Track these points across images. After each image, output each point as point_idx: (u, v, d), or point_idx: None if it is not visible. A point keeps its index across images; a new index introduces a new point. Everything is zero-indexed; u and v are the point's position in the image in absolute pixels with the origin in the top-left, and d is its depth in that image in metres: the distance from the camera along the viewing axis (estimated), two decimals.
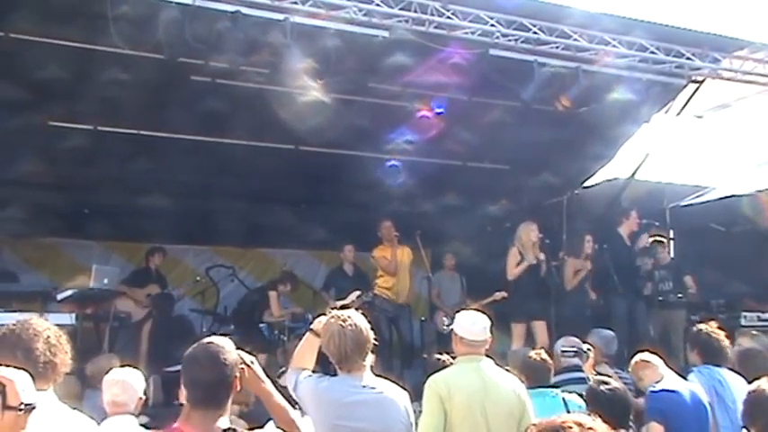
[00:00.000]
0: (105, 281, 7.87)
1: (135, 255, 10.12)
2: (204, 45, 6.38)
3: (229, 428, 2.62)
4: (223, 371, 2.65)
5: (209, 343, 2.72)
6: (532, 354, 5.16)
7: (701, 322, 6.32)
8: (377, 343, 3.70)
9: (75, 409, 2.98)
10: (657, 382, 5.01)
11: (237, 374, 2.70)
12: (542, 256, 8.37)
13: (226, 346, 2.73)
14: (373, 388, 3.60)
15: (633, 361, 5.41)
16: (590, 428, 1.84)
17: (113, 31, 6.09)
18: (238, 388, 2.70)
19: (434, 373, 4.49)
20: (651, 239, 9.25)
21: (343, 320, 3.59)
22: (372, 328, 3.68)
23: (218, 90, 7.75)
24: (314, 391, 3.55)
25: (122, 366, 4.08)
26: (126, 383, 3.83)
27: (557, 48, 7.42)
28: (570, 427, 1.83)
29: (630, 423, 4.22)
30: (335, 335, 3.56)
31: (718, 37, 8.01)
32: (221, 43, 6.40)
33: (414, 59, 7.11)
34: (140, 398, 3.86)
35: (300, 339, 3.95)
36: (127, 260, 10.18)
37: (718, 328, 5.58)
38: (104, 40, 6.47)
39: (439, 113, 8.60)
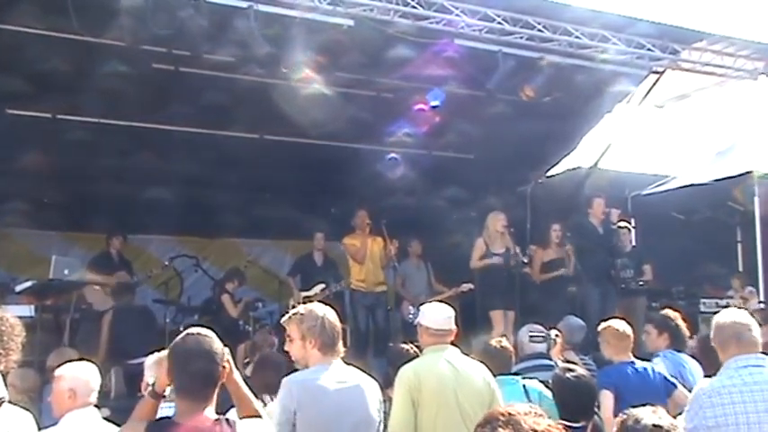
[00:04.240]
0: (66, 272, 7.68)
1: (96, 245, 9.92)
2: (167, 32, 6.29)
3: (219, 418, 2.64)
4: (213, 362, 2.68)
5: (198, 334, 2.73)
6: (493, 341, 5.14)
7: (661, 309, 6.57)
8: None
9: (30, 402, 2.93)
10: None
11: (225, 366, 2.73)
12: (512, 246, 8.41)
13: (214, 337, 2.75)
14: (350, 377, 3.68)
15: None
16: (534, 415, 1.89)
17: (74, 18, 5.99)
18: (224, 379, 2.74)
19: (398, 362, 4.50)
20: (617, 224, 9.24)
21: (327, 307, 3.74)
22: (343, 320, 3.84)
23: (181, 78, 7.65)
24: (301, 383, 3.58)
25: (81, 359, 4.02)
26: (82, 376, 3.77)
27: (520, 38, 7.48)
28: (518, 414, 1.88)
29: (595, 410, 4.27)
30: (327, 318, 3.66)
31: (677, 29, 8.15)
32: (183, 30, 6.31)
33: (380, 49, 7.11)
34: (96, 390, 3.81)
35: (265, 328, 3.96)
36: (87, 251, 9.97)
37: (681, 316, 5.90)
38: (66, 28, 6.36)
39: (435, 107, 8.57)
